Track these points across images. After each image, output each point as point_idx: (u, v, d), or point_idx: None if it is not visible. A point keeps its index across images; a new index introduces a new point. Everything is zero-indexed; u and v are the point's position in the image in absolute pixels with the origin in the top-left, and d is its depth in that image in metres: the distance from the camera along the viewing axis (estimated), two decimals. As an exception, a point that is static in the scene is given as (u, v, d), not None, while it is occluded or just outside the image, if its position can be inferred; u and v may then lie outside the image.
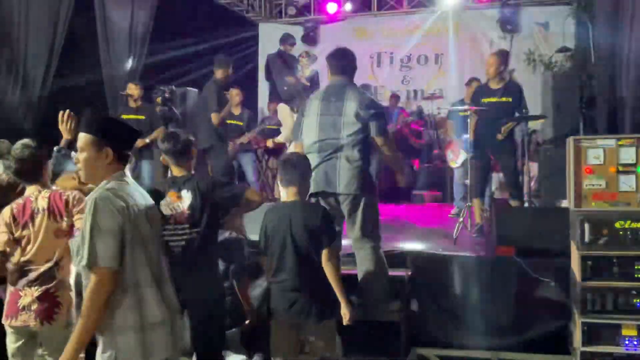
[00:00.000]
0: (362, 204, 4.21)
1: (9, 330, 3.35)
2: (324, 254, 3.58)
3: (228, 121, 7.95)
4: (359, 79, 4.78)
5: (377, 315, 4.44)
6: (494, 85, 6.03)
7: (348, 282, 4.29)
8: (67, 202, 3.38)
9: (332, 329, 3.67)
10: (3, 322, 3.34)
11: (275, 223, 3.60)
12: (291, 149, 5.59)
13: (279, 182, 3.76)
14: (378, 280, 4.35)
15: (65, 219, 3.35)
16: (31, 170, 3.40)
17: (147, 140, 7.35)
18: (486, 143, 5.96)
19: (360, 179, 4.17)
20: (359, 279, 4.35)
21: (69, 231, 3.35)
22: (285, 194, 3.70)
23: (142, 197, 2.64)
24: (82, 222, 2.52)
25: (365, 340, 4.66)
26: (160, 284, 2.57)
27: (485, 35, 11.10)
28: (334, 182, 4.16)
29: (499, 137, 5.82)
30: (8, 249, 3.35)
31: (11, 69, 7.00)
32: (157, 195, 3.60)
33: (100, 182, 2.56)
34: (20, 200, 3.41)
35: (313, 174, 4.11)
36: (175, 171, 3.70)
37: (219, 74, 6.94)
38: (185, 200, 3.55)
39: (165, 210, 3.55)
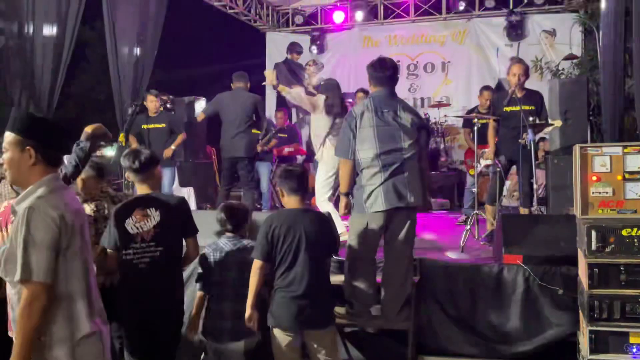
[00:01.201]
0: (415, 214, 4.28)
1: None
2: (330, 261, 3.62)
3: None
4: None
5: (386, 324, 4.45)
6: (517, 94, 5.99)
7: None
8: None
9: (335, 335, 3.69)
10: (10, 334, 3.33)
11: (285, 230, 3.57)
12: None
13: (282, 190, 3.73)
14: (404, 291, 4.38)
15: None
16: None
17: (173, 148, 7.44)
18: (508, 150, 5.95)
19: (424, 190, 4.24)
20: (390, 288, 4.37)
21: None
22: (289, 201, 3.70)
23: (75, 202, 2.49)
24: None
25: (373, 348, 4.66)
26: (91, 294, 2.46)
27: (492, 42, 11.12)
28: (405, 196, 4.15)
29: (521, 141, 5.82)
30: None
31: (22, 79, 7.06)
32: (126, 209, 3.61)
33: (27, 186, 2.41)
34: (10, 202, 3.38)
35: (382, 189, 4.12)
36: (140, 189, 3.69)
37: (233, 85, 7.12)
38: (152, 218, 3.56)
39: (132, 230, 3.54)
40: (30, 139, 2.37)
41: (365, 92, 8.33)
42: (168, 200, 3.66)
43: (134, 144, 7.26)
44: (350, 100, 8.06)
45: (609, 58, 6.40)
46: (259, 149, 7.71)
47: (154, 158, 3.71)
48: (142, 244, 3.54)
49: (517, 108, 5.83)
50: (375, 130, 4.21)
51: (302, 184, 3.69)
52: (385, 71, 4.40)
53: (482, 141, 6.36)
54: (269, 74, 6.68)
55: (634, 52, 5.67)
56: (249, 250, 3.81)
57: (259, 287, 3.62)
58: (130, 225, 3.55)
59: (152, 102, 7.55)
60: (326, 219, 3.76)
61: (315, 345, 3.61)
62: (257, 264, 3.61)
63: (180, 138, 7.57)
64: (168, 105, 7.93)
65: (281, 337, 3.59)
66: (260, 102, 7.21)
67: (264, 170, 8.10)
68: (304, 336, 3.61)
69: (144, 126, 7.47)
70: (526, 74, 6.03)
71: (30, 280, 2.25)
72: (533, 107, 5.91)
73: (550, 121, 6.12)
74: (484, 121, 6.30)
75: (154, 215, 3.55)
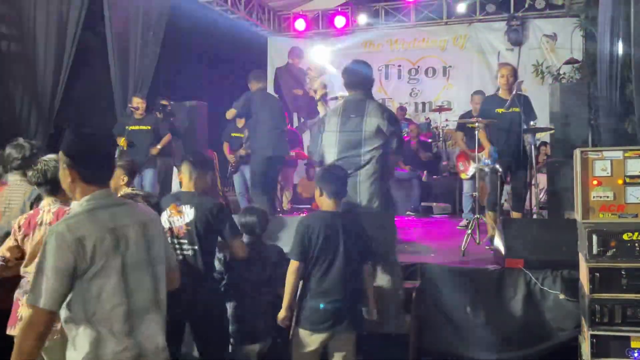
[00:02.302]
0: (383, 217, 4.23)
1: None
2: (366, 267, 3.69)
3: (232, 134, 8.05)
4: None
5: (387, 328, 4.45)
6: (505, 96, 6.02)
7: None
8: None
9: (355, 340, 3.70)
10: (8, 332, 3.33)
11: (323, 232, 3.58)
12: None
13: (322, 189, 3.71)
14: (394, 295, 4.37)
15: None
16: (52, 183, 3.34)
17: (159, 147, 7.50)
18: (501, 154, 5.97)
19: (380, 196, 4.18)
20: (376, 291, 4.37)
21: None
22: (326, 202, 3.71)
23: (120, 219, 2.37)
24: None
25: (374, 352, 4.65)
26: (133, 315, 2.33)
27: (493, 47, 11.13)
28: (355, 200, 4.13)
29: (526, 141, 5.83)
30: (8, 254, 3.35)
31: (24, 83, 7.09)
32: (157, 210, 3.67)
33: (75, 200, 2.44)
34: (31, 211, 3.44)
35: None
36: (184, 187, 3.74)
37: (253, 85, 7.03)
38: (186, 216, 3.56)
39: (164, 223, 3.58)
40: (68, 157, 2.38)
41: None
42: (205, 201, 3.65)
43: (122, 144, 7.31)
44: None
45: (605, 62, 6.41)
46: (242, 152, 7.71)
47: (208, 162, 3.82)
48: (172, 239, 3.55)
49: (510, 110, 5.85)
50: (338, 135, 4.22)
51: (343, 188, 3.72)
52: (357, 75, 4.36)
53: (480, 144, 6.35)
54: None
55: (632, 56, 5.67)
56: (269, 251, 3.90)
57: (296, 288, 3.63)
58: (165, 218, 3.59)
59: (137, 104, 7.62)
60: (361, 224, 3.77)
61: (338, 345, 3.61)
62: (294, 265, 3.62)
63: (166, 139, 7.59)
64: (168, 109, 7.93)
65: (307, 339, 3.57)
66: None
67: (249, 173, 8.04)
68: (331, 339, 3.60)
69: (128, 127, 7.51)
70: (514, 75, 6.07)
71: (33, 304, 2.21)
72: (517, 109, 5.93)
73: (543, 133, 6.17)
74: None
75: (188, 213, 3.55)
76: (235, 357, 3.90)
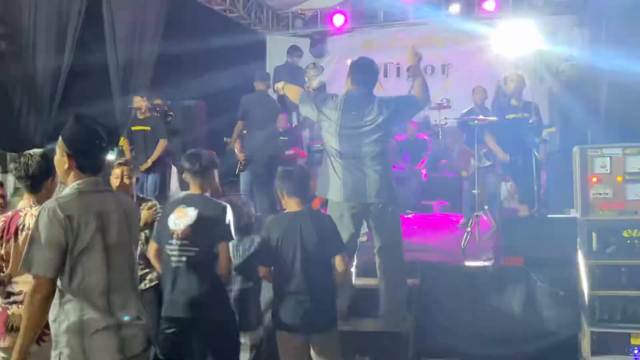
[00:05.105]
0: (390, 212, 4.25)
1: None
2: (338, 260, 3.62)
3: (244, 131, 8.03)
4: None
5: (387, 326, 4.45)
6: (515, 102, 6.21)
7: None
8: None
9: (338, 337, 3.69)
10: None
11: (283, 233, 3.59)
12: None
13: (281, 192, 3.74)
14: (400, 291, 4.37)
15: None
16: (33, 178, 3.24)
17: (149, 162, 7.30)
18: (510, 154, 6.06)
19: (388, 188, 4.23)
20: (382, 289, 4.39)
21: None
22: (288, 203, 3.71)
23: (106, 205, 2.58)
24: None
25: (374, 352, 4.66)
26: (112, 290, 2.56)
27: (492, 44, 11.11)
28: (364, 193, 4.18)
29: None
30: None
31: (22, 84, 7.09)
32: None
33: (65, 184, 2.61)
34: (9, 213, 3.27)
35: (340, 183, 4.20)
36: (191, 189, 3.75)
37: (259, 86, 7.15)
38: (188, 218, 3.57)
39: (171, 225, 3.60)
40: (67, 146, 2.56)
41: None
42: (208, 203, 3.67)
43: (126, 146, 7.25)
44: None
45: (588, 62, 6.46)
46: (240, 156, 7.68)
47: (210, 163, 3.81)
48: (177, 241, 3.58)
49: (519, 115, 5.95)
50: (339, 129, 4.24)
51: (302, 186, 3.70)
52: (366, 72, 4.42)
53: (480, 142, 6.37)
54: None
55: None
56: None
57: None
58: (171, 221, 3.61)
59: (138, 103, 7.52)
60: (328, 219, 3.77)
61: (319, 349, 3.61)
62: (262, 270, 3.70)
63: (161, 146, 7.40)
64: (166, 110, 7.90)
65: (287, 339, 3.59)
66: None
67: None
68: (309, 338, 3.61)
69: (133, 128, 7.47)
70: (523, 81, 6.31)
71: (30, 272, 2.44)
72: (527, 114, 6.07)
73: (545, 132, 6.26)
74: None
75: (191, 215, 3.58)
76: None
